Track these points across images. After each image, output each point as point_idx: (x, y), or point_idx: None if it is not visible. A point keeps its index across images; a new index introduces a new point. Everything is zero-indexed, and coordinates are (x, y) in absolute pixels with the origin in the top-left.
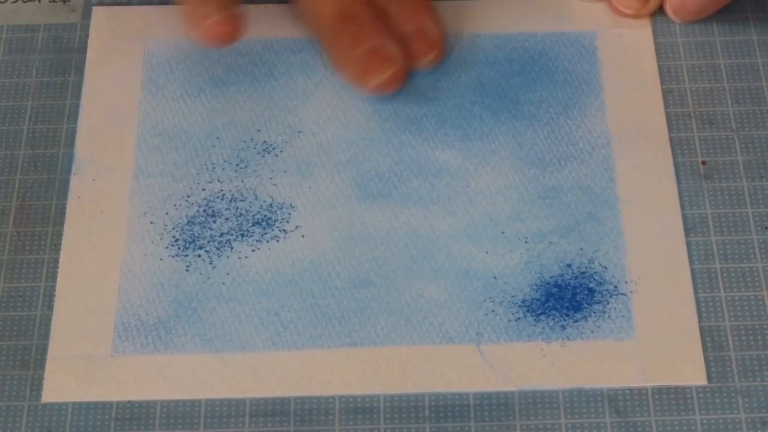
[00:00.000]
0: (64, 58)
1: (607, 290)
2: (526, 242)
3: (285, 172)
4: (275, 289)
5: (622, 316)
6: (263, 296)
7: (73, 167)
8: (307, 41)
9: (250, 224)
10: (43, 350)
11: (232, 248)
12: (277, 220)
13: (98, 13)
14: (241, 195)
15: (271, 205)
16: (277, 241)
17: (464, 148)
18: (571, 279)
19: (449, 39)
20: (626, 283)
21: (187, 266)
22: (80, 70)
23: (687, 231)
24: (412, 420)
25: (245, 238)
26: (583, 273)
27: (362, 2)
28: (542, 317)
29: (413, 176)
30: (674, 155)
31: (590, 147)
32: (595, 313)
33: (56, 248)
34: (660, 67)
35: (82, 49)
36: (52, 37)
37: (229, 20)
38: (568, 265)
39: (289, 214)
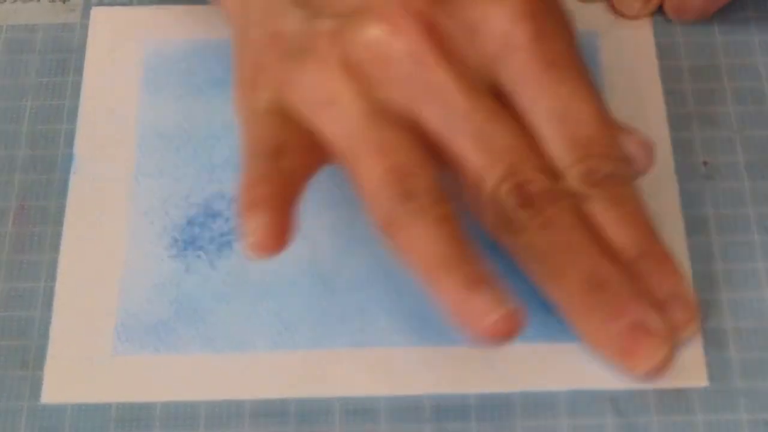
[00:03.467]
0: (64, 58)
1: None
2: None
3: None
4: (276, 289)
5: None
6: (263, 297)
7: (72, 167)
8: None
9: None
10: (42, 351)
11: (232, 249)
12: None
13: (98, 13)
14: None
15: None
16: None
17: None
18: None
19: None
20: None
21: (187, 267)
22: (79, 70)
23: (688, 231)
24: (413, 421)
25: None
26: None
27: (611, 263)
28: (543, 317)
29: None
30: (675, 155)
31: None
32: None
33: (56, 248)
34: (661, 67)
35: (82, 49)
36: (52, 37)
37: (520, 311)
38: None
39: None
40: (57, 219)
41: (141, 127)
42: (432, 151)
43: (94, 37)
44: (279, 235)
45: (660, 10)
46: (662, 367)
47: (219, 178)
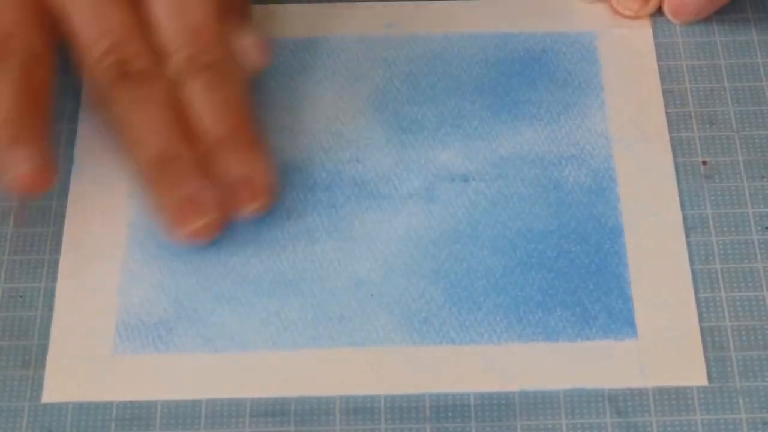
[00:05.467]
0: (64, 59)
1: (607, 290)
2: (527, 242)
3: (285, 172)
4: (276, 289)
5: (623, 316)
6: (264, 296)
7: (73, 168)
8: (307, 41)
9: (250, 224)
10: (43, 350)
11: (232, 248)
12: (278, 220)
13: None
14: None
15: (271, 205)
16: (278, 241)
17: (464, 148)
18: (571, 278)
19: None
20: (627, 283)
21: (188, 266)
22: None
23: (687, 231)
24: (413, 420)
25: (246, 237)
26: (583, 273)
27: (185, 143)
28: (543, 317)
29: (413, 176)
30: (675, 155)
31: (591, 147)
32: (595, 313)
33: (56, 248)
34: (660, 67)
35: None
36: None
37: (48, 167)
38: (569, 265)
39: (289, 214)
40: (58, 219)
41: None
42: (50, 21)
43: None
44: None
45: (659, 10)
46: (199, 236)
47: None
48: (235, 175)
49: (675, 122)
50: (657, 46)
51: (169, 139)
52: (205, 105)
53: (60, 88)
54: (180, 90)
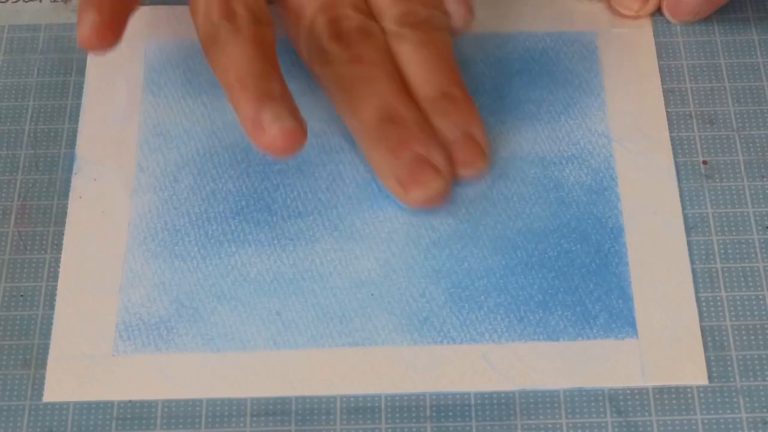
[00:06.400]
0: (66, 59)
1: (607, 290)
2: (527, 242)
3: (286, 172)
4: (276, 288)
5: (623, 316)
6: (264, 296)
7: (74, 167)
8: None
9: (251, 224)
10: (44, 350)
11: (233, 248)
12: (278, 219)
13: None
14: (242, 195)
15: (271, 205)
16: (278, 240)
17: None
18: (571, 278)
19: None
20: (627, 282)
21: (188, 266)
22: (81, 70)
23: (688, 230)
24: (414, 419)
25: (246, 237)
26: (583, 272)
27: (409, 101)
28: (543, 317)
29: None
30: (675, 155)
31: (591, 146)
32: (596, 312)
33: (57, 248)
34: (661, 67)
35: (83, 49)
36: (54, 37)
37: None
38: (569, 265)
39: (290, 214)
40: (59, 219)
41: (142, 126)
42: None
43: None
44: (105, 33)
45: (659, 10)
46: (435, 199)
47: (220, 178)
48: (452, 134)
49: (675, 122)
50: (657, 45)
51: (393, 98)
52: (418, 63)
53: (60, 89)
54: (393, 48)
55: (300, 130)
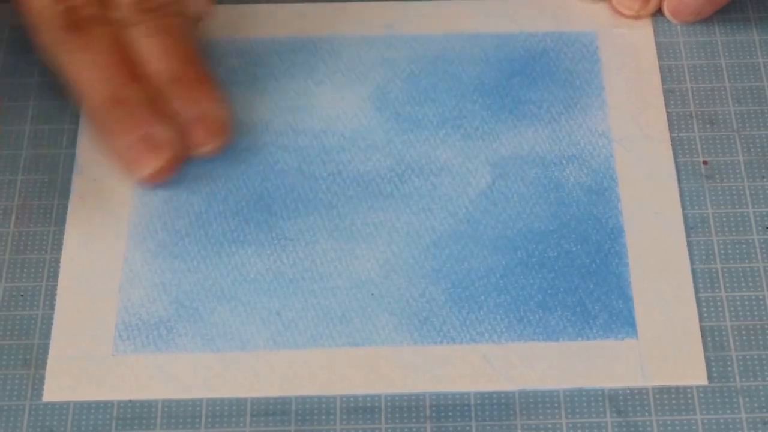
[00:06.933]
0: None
1: (607, 290)
2: (527, 242)
3: (286, 172)
4: (276, 288)
5: (623, 316)
6: (264, 296)
7: (74, 167)
8: (308, 41)
9: (251, 224)
10: (44, 350)
11: (233, 248)
12: (279, 219)
13: None
14: (242, 195)
15: (271, 205)
16: (278, 240)
17: (465, 148)
18: (571, 278)
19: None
20: (627, 282)
21: (188, 266)
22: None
23: (688, 231)
24: (413, 419)
25: (246, 237)
26: (583, 273)
27: (135, 85)
28: (543, 317)
29: (414, 176)
30: (675, 155)
31: (591, 147)
32: (595, 312)
33: (58, 248)
34: (661, 67)
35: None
36: None
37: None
38: (569, 265)
39: (290, 214)
40: (59, 218)
41: None
42: None
43: None
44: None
45: (660, 10)
46: (158, 176)
47: (220, 178)
48: (187, 114)
49: (676, 122)
50: (658, 45)
51: (119, 81)
52: (152, 48)
53: (61, 89)
54: (128, 35)
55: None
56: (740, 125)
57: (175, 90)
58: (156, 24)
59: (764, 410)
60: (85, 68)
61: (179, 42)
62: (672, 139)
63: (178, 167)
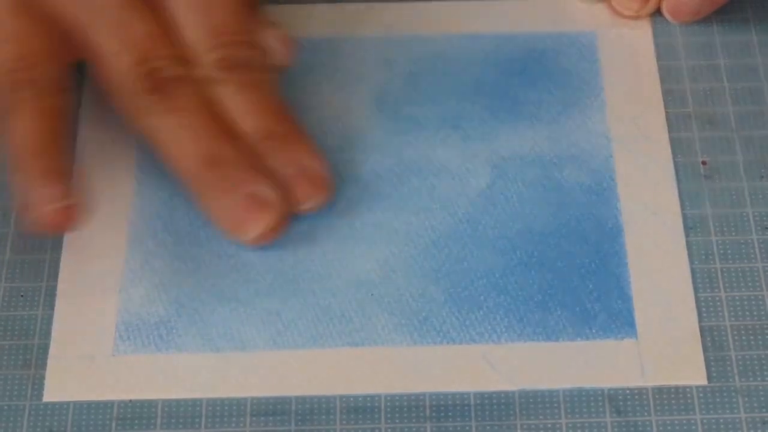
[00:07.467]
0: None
1: (607, 290)
2: (527, 242)
3: None
4: (276, 288)
5: (623, 316)
6: (264, 296)
7: (74, 168)
8: (307, 41)
9: None
10: (44, 350)
11: (233, 248)
12: None
13: None
14: None
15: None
16: (278, 241)
17: (464, 149)
18: (571, 278)
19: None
20: (627, 282)
21: (188, 266)
22: (81, 71)
23: (687, 231)
24: (413, 419)
25: None
26: (583, 273)
27: (229, 144)
28: (543, 317)
29: (413, 176)
30: (674, 155)
31: (591, 147)
32: (595, 312)
33: (58, 248)
34: (660, 68)
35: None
36: None
37: (73, 206)
38: (569, 265)
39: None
40: None
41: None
42: (68, 40)
43: None
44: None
45: (659, 10)
46: (270, 235)
47: None
48: (287, 171)
49: (675, 122)
50: (657, 46)
51: (212, 142)
52: (241, 105)
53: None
54: (214, 93)
55: (67, 212)
56: (739, 125)
57: (270, 147)
58: (241, 80)
59: (764, 410)
60: (174, 131)
61: (267, 97)
62: (671, 140)
63: (285, 227)
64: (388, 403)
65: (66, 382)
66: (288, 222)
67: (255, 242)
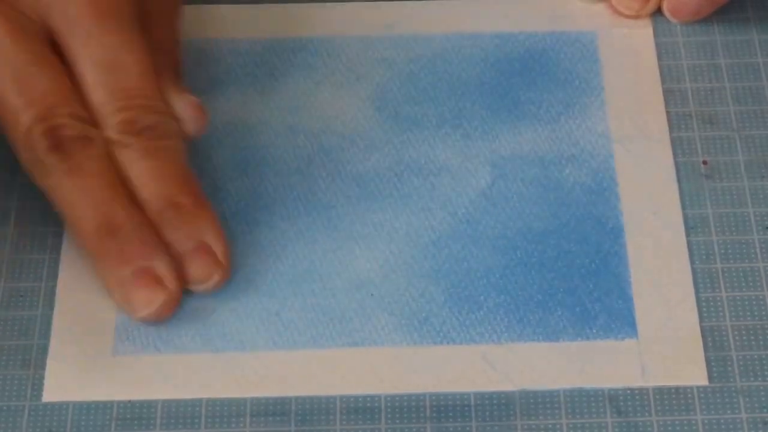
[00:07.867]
0: None
1: (607, 290)
2: (527, 242)
3: (285, 172)
4: (276, 289)
5: (623, 316)
6: (264, 296)
7: None
8: (307, 41)
9: (251, 224)
10: (44, 350)
11: (232, 248)
12: (278, 220)
13: None
14: (242, 195)
15: (271, 205)
16: (278, 240)
17: (464, 148)
18: (571, 278)
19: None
20: (627, 282)
21: None
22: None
23: (688, 230)
24: (413, 420)
25: (246, 237)
26: (583, 273)
27: (128, 211)
28: (543, 317)
29: (413, 176)
30: (675, 155)
31: (591, 147)
32: (595, 312)
33: (57, 248)
34: (661, 67)
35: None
36: None
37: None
38: (569, 265)
39: (290, 214)
40: (58, 219)
41: None
42: None
43: None
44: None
45: (659, 10)
46: (161, 312)
47: (220, 179)
48: (184, 247)
49: (675, 122)
50: (657, 45)
51: (111, 207)
52: (146, 172)
53: None
54: (119, 157)
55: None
56: (740, 125)
57: (170, 218)
58: (147, 146)
59: (764, 410)
60: (73, 193)
61: (173, 165)
62: (672, 139)
63: (176, 306)
64: (388, 404)
65: (65, 382)
66: (178, 303)
67: (146, 320)
